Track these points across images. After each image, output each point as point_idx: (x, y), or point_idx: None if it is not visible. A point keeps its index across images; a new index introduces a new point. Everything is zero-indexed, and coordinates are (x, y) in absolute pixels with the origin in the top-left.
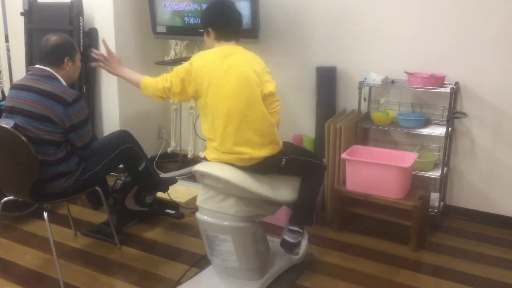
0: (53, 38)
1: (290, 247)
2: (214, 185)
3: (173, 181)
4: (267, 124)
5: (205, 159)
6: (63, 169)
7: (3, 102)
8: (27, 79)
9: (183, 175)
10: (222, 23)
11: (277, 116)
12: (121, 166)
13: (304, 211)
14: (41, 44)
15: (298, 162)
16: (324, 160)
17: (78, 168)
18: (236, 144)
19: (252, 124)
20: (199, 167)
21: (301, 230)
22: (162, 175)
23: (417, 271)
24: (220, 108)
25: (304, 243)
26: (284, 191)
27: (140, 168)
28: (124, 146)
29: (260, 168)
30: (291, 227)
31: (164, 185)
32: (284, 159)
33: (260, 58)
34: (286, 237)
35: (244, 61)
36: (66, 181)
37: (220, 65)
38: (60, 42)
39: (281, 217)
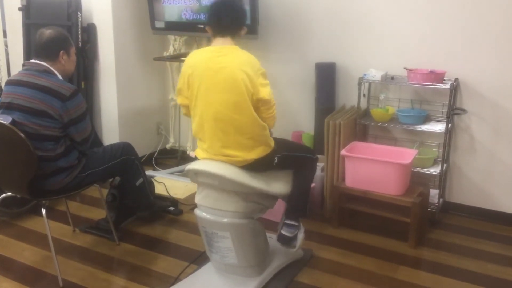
0: (47, 32)
1: (287, 241)
2: (209, 182)
3: (166, 206)
4: (258, 128)
5: (196, 158)
6: (63, 164)
7: (0, 98)
8: (22, 74)
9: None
10: (215, 19)
11: (273, 121)
12: None
13: (298, 204)
14: (35, 38)
15: (290, 158)
16: (315, 152)
17: (79, 164)
18: (225, 147)
19: (242, 128)
20: (192, 166)
21: (296, 223)
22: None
23: (416, 267)
24: (209, 111)
25: (301, 236)
26: (278, 184)
27: (137, 183)
28: (127, 156)
29: (252, 168)
30: (286, 221)
31: (157, 208)
32: (276, 158)
33: (259, 55)
34: (282, 232)
35: (236, 63)
36: (66, 177)
37: (211, 66)
38: (55, 36)
39: (280, 214)
